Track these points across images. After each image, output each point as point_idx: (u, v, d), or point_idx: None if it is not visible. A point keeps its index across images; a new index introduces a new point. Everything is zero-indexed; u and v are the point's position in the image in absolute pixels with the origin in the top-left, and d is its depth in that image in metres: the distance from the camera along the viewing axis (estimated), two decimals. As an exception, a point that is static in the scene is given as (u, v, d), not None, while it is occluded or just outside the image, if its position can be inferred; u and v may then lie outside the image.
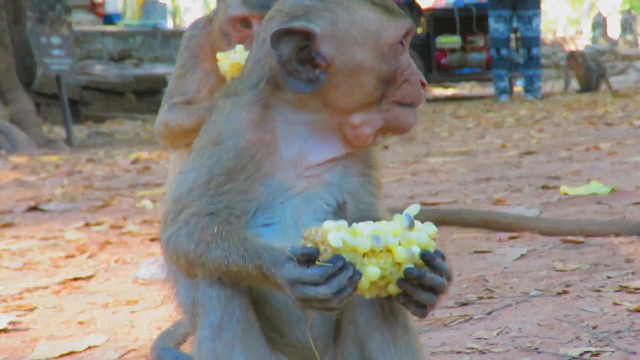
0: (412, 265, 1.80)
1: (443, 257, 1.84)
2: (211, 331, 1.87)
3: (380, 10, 1.91)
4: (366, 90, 1.90)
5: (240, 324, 1.87)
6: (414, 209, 1.84)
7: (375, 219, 2.00)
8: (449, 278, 1.85)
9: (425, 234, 1.82)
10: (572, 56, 17.27)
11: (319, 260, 1.74)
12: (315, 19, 1.87)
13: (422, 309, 1.84)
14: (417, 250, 1.80)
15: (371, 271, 1.77)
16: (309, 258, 1.75)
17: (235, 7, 3.24)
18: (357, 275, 1.75)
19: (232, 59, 3.13)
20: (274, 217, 1.94)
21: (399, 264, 1.80)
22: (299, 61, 1.87)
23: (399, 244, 1.79)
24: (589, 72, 16.95)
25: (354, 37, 1.88)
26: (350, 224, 1.81)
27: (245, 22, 3.27)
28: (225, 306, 1.86)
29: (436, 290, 1.83)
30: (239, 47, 3.14)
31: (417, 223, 1.82)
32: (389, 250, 1.79)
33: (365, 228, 1.79)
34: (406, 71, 1.92)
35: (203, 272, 1.88)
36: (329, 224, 1.77)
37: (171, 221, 1.93)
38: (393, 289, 1.82)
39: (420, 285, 1.81)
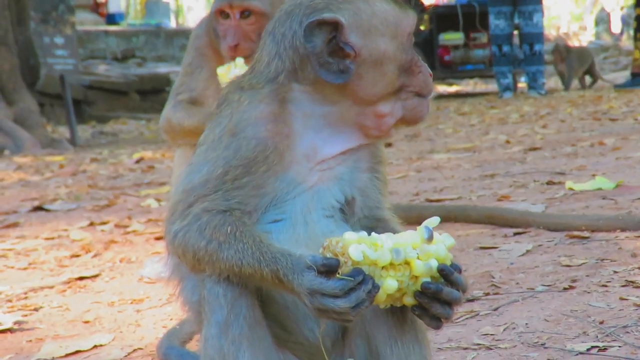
0: (429, 279, 1.81)
1: (460, 270, 1.85)
2: (218, 329, 1.86)
3: (393, 1, 1.96)
4: (388, 79, 1.93)
5: (247, 321, 1.86)
6: (433, 221, 1.85)
7: (382, 218, 2.02)
8: (464, 291, 1.86)
9: (443, 247, 1.83)
10: (557, 49, 17.03)
11: (338, 272, 1.74)
12: (338, 11, 1.90)
13: (437, 321, 1.85)
14: (435, 263, 1.81)
15: (389, 284, 1.78)
16: (329, 269, 1.75)
17: (215, 3, 3.54)
18: (375, 289, 1.76)
19: (234, 75, 3.25)
20: (285, 213, 1.94)
21: (416, 277, 1.81)
22: (329, 52, 1.89)
23: (418, 257, 1.80)
24: (569, 68, 16.66)
25: (376, 27, 1.92)
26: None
27: (224, 14, 3.52)
28: (232, 304, 1.86)
29: (452, 304, 1.84)
30: (239, 61, 3.30)
31: (435, 235, 1.83)
32: (407, 263, 1.80)
33: (385, 240, 1.79)
34: (419, 61, 1.97)
35: (212, 271, 1.87)
36: (350, 236, 1.77)
37: (180, 214, 1.91)
38: (409, 300, 1.83)
39: (437, 298, 1.82)
